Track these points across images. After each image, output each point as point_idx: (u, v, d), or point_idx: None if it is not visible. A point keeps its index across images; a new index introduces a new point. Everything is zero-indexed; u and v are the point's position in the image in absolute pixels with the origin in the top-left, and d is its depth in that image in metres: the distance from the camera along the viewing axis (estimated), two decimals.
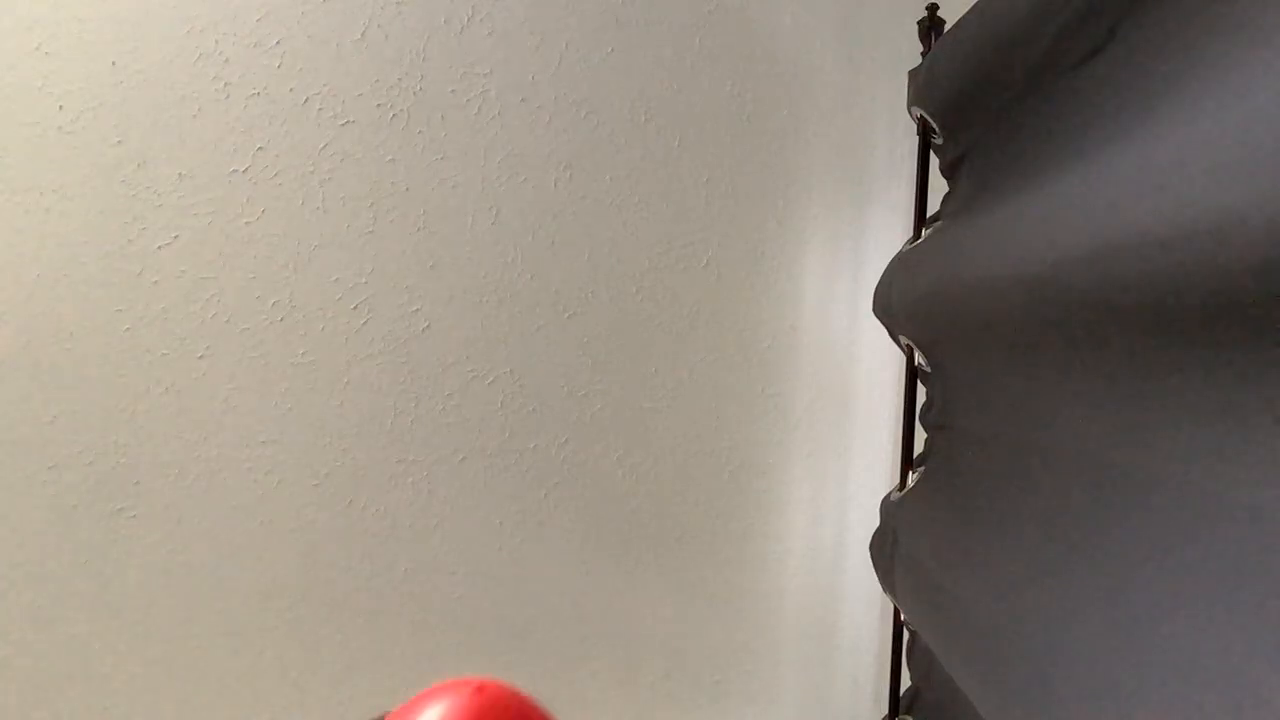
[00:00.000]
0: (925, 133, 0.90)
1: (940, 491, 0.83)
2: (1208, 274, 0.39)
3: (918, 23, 0.91)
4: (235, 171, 0.91)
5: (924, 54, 0.89)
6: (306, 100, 0.92)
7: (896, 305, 0.89)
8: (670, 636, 1.10)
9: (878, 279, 0.96)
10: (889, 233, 1.12)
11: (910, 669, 0.96)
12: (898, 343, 0.95)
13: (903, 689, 0.99)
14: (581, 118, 1.00)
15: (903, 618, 0.96)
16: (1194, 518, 0.44)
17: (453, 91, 0.96)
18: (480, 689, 0.46)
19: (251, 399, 0.93)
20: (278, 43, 0.90)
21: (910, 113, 0.91)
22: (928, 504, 0.85)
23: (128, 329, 0.90)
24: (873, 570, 0.97)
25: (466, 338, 0.99)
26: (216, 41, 0.89)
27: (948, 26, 0.83)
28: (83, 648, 0.92)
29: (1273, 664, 0.37)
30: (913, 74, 0.88)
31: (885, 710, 1.00)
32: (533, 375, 1.01)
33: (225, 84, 0.89)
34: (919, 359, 0.90)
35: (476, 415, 1.00)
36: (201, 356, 0.92)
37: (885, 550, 0.93)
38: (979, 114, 0.76)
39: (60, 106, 0.86)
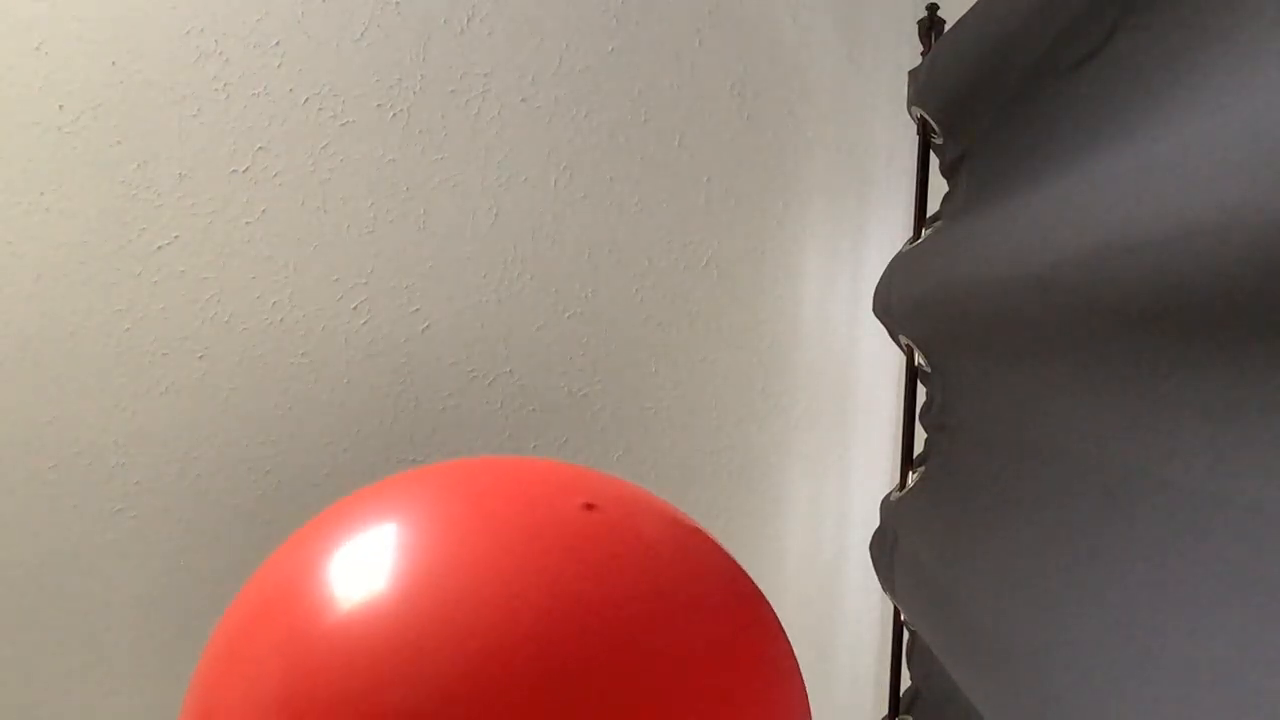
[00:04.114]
0: (925, 133, 0.90)
1: (940, 491, 0.83)
2: (1208, 274, 0.39)
3: (918, 23, 0.91)
4: (235, 171, 0.91)
5: (924, 54, 0.89)
6: (306, 100, 0.92)
7: (896, 305, 0.89)
8: None
9: (878, 279, 0.96)
10: (889, 233, 1.12)
11: (910, 669, 0.96)
12: (898, 343, 0.95)
13: (903, 689, 0.99)
14: (581, 118, 1.00)
15: (903, 618, 0.96)
16: (1194, 518, 0.44)
17: (453, 91, 0.96)
18: (591, 507, 0.34)
19: (251, 399, 0.93)
20: (278, 43, 0.90)
21: (910, 113, 0.90)
22: (928, 504, 0.85)
23: (128, 329, 0.90)
24: (873, 570, 0.97)
25: (466, 338, 0.99)
26: (216, 41, 0.89)
27: (948, 26, 0.83)
28: (83, 648, 0.92)
29: (1273, 665, 0.37)
30: (913, 74, 0.88)
31: (885, 710, 1.00)
32: (533, 375, 1.01)
33: (225, 84, 0.89)
34: (919, 359, 0.90)
35: (476, 415, 1.00)
36: (201, 356, 0.92)
37: (885, 550, 0.92)
38: (979, 114, 0.76)
39: (60, 106, 0.86)
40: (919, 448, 0.93)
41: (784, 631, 0.40)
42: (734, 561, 0.40)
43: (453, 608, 0.30)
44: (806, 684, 0.40)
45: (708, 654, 0.33)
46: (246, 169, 0.91)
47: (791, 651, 0.40)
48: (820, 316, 1.11)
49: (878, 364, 1.14)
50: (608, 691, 0.29)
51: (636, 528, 0.36)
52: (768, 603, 0.40)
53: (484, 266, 0.99)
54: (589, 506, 0.35)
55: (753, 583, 0.40)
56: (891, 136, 1.11)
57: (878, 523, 0.98)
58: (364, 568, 0.32)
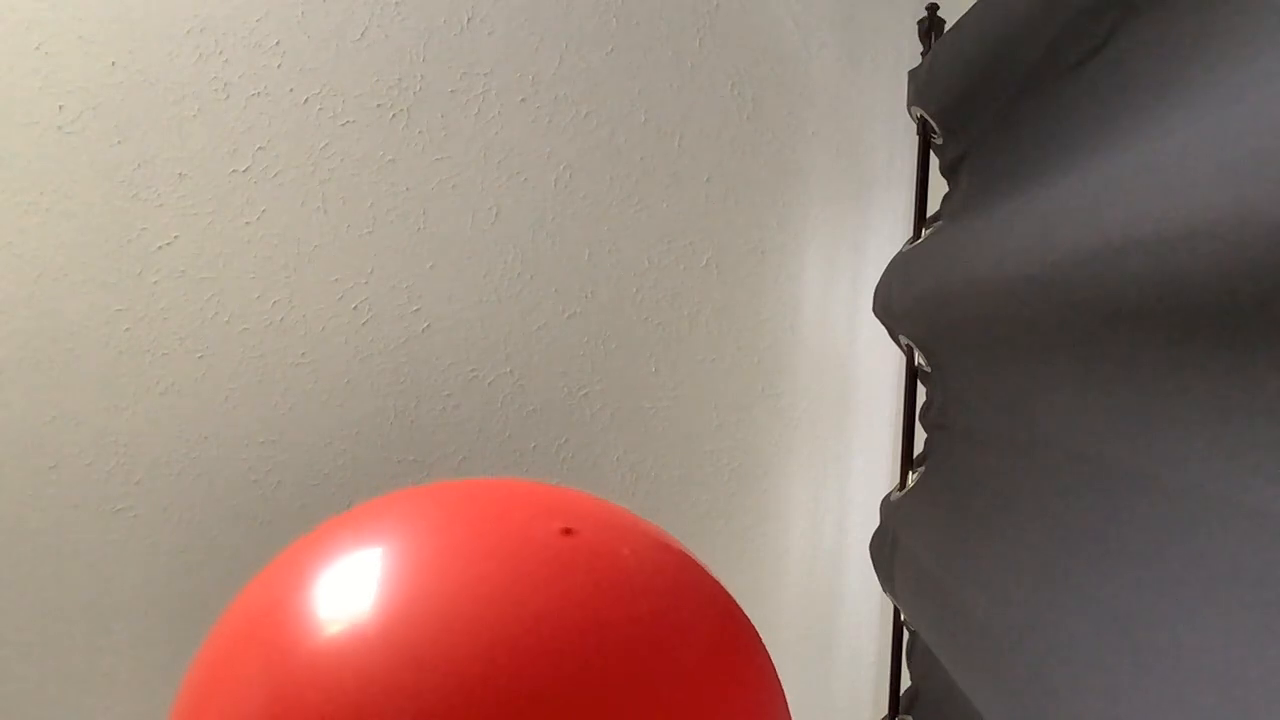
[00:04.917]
0: (925, 133, 0.90)
1: (940, 491, 0.83)
2: (1208, 274, 0.39)
3: (918, 23, 0.91)
4: (235, 171, 0.91)
5: (924, 54, 0.89)
6: (306, 100, 0.92)
7: (896, 305, 0.89)
8: None
9: (878, 279, 0.96)
10: (889, 233, 1.12)
11: (910, 669, 0.96)
12: (898, 343, 0.95)
13: (903, 689, 0.99)
14: (581, 118, 1.00)
15: (903, 618, 0.96)
16: (1194, 518, 0.44)
17: (453, 91, 0.96)
18: (569, 532, 0.34)
19: (251, 399, 0.93)
20: (278, 43, 0.90)
21: (910, 113, 0.90)
22: (928, 504, 0.85)
23: (128, 329, 0.90)
24: (873, 570, 0.97)
25: (466, 338, 0.99)
26: (216, 41, 0.89)
27: (948, 26, 0.83)
28: (83, 649, 0.92)
29: (1273, 665, 0.37)
30: (913, 74, 0.88)
31: (885, 710, 1.00)
32: (533, 375, 1.01)
33: (225, 84, 0.89)
34: (919, 359, 0.90)
35: (476, 415, 1.00)
36: (201, 356, 0.92)
37: (885, 550, 0.92)
38: (979, 114, 0.76)
39: (60, 106, 0.86)
40: (919, 448, 0.94)
41: (767, 653, 0.40)
42: (717, 583, 0.40)
43: (430, 638, 0.30)
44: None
45: (688, 680, 0.33)
46: (246, 169, 0.91)
47: (774, 673, 0.40)
48: (820, 316, 1.11)
49: (878, 364, 1.14)
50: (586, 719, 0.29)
51: (616, 553, 0.35)
52: (751, 625, 0.40)
53: (484, 266, 0.99)
54: (567, 531, 0.35)
55: (736, 605, 0.40)
56: (891, 136, 1.11)
57: (878, 523, 0.98)
58: (341, 597, 0.32)
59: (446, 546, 0.34)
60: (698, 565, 0.40)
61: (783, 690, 0.39)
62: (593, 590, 0.33)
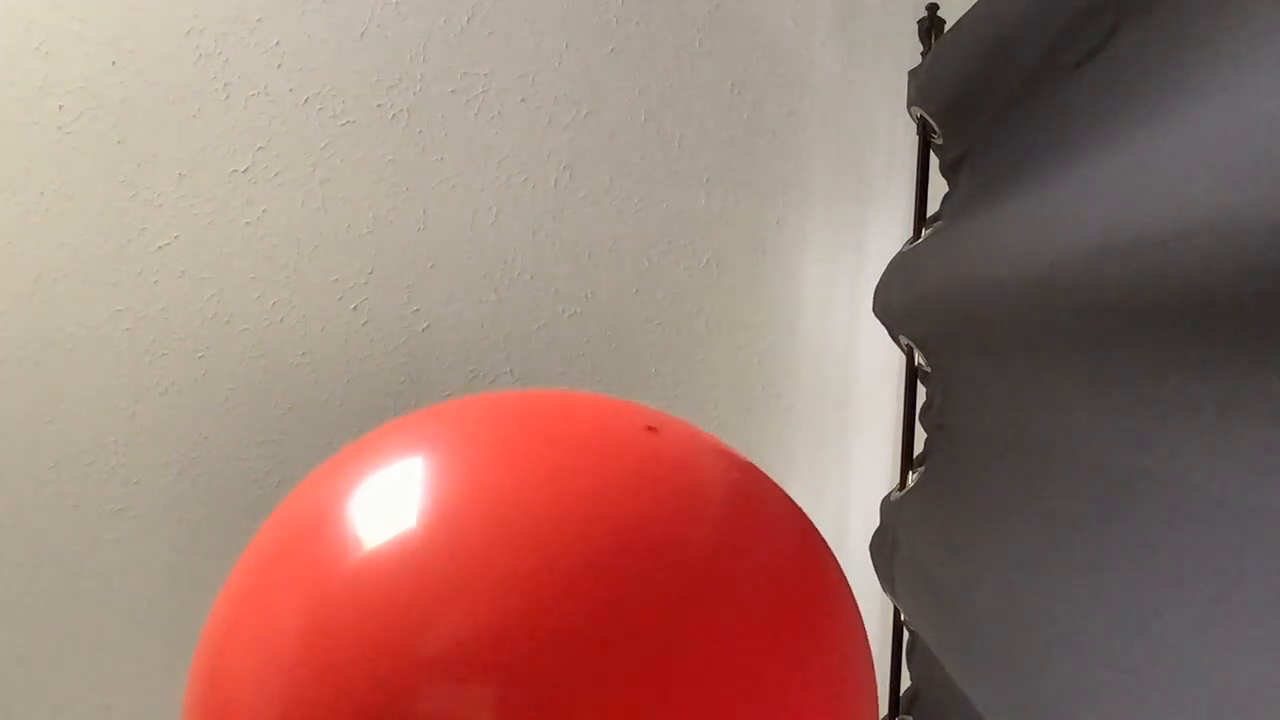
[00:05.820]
0: (925, 133, 0.90)
1: (940, 492, 0.83)
2: (1208, 274, 0.39)
3: (918, 23, 0.91)
4: (235, 171, 0.91)
5: (924, 54, 0.89)
6: (306, 100, 0.92)
7: (896, 305, 0.89)
8: None
9: (878, 279, 0.96)
10: (889, 233, 1.12)
11: (910, 669, 0.96)
12: (898, 343, 0.95)
13: (903, 689, 0.99)
14: (581, 118, 1.00)
15: (903, 618, 0.96)
16: (1194, 517, 0.44)
17: (453, 91, 0.96)
18: (653, 430, 0.32)
19: (251, 398, 0.93)
20: (278, 43, 0.90)
21: (910, 113, 0.90)
22: (928, 504, 0.85)
23: (128, 329, 0.90)
24: (873, 570, 0.97)
25: (466, 338, 0.99)
26: (216, 41, 0.89)
27: (948, 26, 0.83)
28: (84, 648, 0.92)
29: (1271, 664, 0.37)
30: (913, 74, 0.88)
31: (885, 710, 1.00)
32: (533, 375, 1.01)
33: (225, 84, 0.89)
34: (919, 359, 0.90)
35: None
36: (201, 356, 0.92)
37: (885, 550, 0.92)
38: (979, 114, 0.76)
39: (60, 106, 0.86)
40: (919, 448, 0.93)
41: (842, 570, 0.38)
42: (787, 494, 0.38)
43: (506, 532, 0.27)
44: None
45: (773, 583, 0.31)
46: (246, 169, 0.91)
47: (849, 588, 0.38)
48: (820, 316, 1.11)
49: (878, 364, 1.14)
50: (669, 630, 0.26)
51: (702, 453, 0.34)
52: (824, 540, 0.38)
53: (484, 266, 0.99)
54: (652, 429, 0.33)
55: (805, 515, 0.38)
56: (891, 136, 1.11)
57: (878, 523, 0.98)
58: (388, 507, 0.29)
59: (519, 443, 0.31)
60: (767, 476, 0.38)
61: (858, 608, 0.38)
62: (680, 487, 0.31)
